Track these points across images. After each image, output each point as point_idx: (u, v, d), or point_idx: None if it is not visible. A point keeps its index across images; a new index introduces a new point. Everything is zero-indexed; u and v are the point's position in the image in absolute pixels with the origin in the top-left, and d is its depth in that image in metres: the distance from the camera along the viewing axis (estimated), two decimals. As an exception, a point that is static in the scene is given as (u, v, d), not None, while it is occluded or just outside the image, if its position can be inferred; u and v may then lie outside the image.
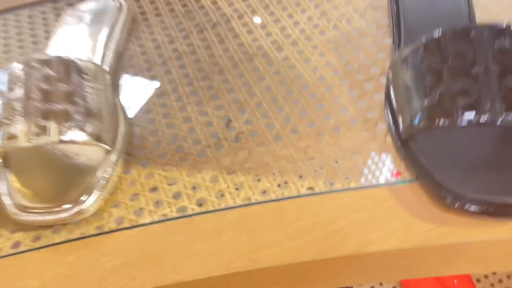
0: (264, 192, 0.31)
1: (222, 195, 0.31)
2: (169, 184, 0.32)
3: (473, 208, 0.26)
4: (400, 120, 0.30)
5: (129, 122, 0.37)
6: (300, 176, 0.31)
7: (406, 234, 0.27)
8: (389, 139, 0.32)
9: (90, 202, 0.30)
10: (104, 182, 0.31)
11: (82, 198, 0.30)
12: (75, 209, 0.30)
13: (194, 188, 0.32)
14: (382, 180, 0.30)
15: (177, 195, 0.32)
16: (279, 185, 0.31)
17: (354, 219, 0.28)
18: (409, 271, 0.29)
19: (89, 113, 0.32)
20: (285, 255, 0.27)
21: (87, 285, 0.28)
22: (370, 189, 0.30)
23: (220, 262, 0.28)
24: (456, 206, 0.27)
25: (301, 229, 0.28)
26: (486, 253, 0.28)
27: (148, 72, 0.41)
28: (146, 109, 0.38)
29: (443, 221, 0.27)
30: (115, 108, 0.36)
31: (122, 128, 0.35)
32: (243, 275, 0.27)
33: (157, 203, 0.32)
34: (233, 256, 0.28)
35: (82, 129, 0.31)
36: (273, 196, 0.30)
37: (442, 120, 0.27)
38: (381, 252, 0.26)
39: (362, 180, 0.30)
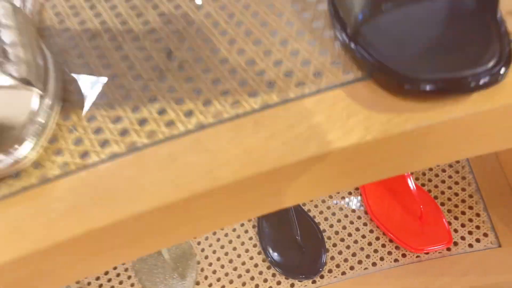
0: (217, 114, 0.30)
1: (173, 124, 0.30)
2: (113, 123, 0.31)
3: (429, 87, 0.26)
4: (346, 21, 0.30)
5: (61, 68, 0.34)
6: (252, 94, 0.30)
7: (365, 128, 0.27)
8: (337, 43, 0.31)
9: (26, 150, 0.28)
10: (39, 128, 0.29)
11: (16, 146, 0.28)
12: (10, 160, 0.27)
13: (141, 122, 0.30)
14: (335, 83, 0.29)
15: (124, 132, 0.30)
16: (231, 106, 0.30)
17: (312, 123, 0.28)
18: (373, 171, 0.30)
19: (10, 55, 0.29)
20: (247, 168, 0.27)
21: (37, 233, 0.26)
22: (324, 93, 0.29)
23: (178, 186, 0.27)
24: (413, 90, 0.27)
25: (260, 141, 0.28)
26: (450, 136, 0.28)
27: (75, 17, 0.38)
28: (78, 53, 0.35)
29: (402, 109, 0.27)
30: (43, 52, 0.33)
31: (52, 73, 0.32)
32: (204, 196, 0.26)
33: (104, 143, 0.30)
34: (192, 178, 0.27)
35: (6, 72, 0.28)
36: (226, 116, 0.29)
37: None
38: (342, 149, 0.26)
39: (315, 86, 0.30)
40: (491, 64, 0.25)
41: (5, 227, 0.27)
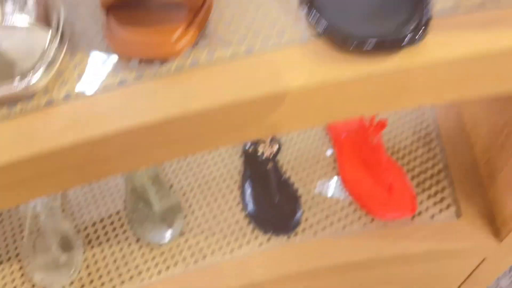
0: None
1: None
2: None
3: (371, 45, 0.33)
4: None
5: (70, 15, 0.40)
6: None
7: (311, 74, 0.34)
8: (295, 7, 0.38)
9: (37, 77, 0.35)
10: (49, 60, 0.35)
11: (30, 74, 0.34)
12: (24, 84, 0.34)
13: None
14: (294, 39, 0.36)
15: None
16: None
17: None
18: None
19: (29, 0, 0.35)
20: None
21: (42, 143, 0.33)
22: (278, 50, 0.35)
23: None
24: (356, 47, 0.33)
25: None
26: (382, 89, 0.35)
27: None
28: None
29: (347, 61, 0.34)
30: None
31: (63, 18, 0.38)
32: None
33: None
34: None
35: (25, 14, 0.34)
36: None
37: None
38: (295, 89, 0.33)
39: (270, 42, 0.36)
40: (411, 28, 0.33)
41: (18, 132, 0.34)
